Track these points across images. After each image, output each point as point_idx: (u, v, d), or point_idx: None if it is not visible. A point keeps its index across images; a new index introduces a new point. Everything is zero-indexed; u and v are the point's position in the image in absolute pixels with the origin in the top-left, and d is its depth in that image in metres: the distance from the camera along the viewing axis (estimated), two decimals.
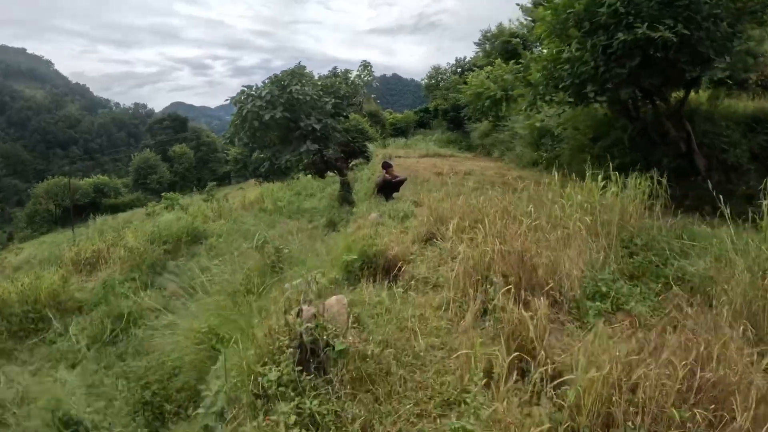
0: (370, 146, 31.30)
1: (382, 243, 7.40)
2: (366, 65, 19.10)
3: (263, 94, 14.10)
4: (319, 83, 15.02)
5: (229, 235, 18.38)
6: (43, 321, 13.96)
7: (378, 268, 7.02)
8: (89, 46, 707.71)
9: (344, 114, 15.71)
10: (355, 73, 18.95)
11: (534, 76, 12.29)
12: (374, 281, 6.75)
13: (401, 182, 12.70)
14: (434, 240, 7.92)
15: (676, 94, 13.57)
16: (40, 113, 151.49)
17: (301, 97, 13.87)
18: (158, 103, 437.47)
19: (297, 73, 14.82)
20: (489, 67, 28.67)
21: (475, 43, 42.84)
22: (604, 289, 5.90)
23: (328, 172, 18.32)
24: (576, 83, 11.27)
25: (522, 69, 25.71)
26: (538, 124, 17.62)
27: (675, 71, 11.26)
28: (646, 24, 9.93)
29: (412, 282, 6.57)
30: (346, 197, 15.54)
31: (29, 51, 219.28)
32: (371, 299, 5.94)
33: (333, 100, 14.67)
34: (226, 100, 13.14)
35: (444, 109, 42.66)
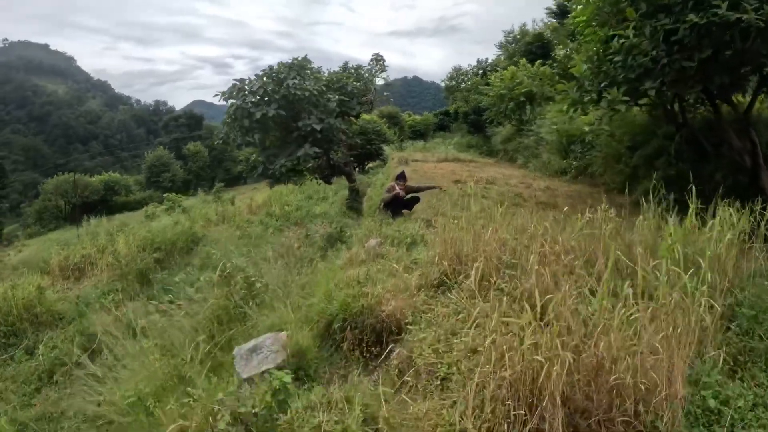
0: (386, 149, 29.96)
1: (374, 293, 5.64)
2: (378, 59, 16.98)
3: (255, 88, 11.95)
4: (324, 78, 13.83)
5: (229, 243, 16.95)
6: (16, 335, 12.70)
7: (366, 331, 5.29)
8: (111, 44, 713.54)
9: (353, 113, 13.94)
10: (365, 67, 16.93)
11: (579, 68, 10.36)
12: (358, 354, 5.21)
13: (415, 201, 11.06)
14: (448, 287, 5.78)
15: (738, 98, 11.64)
16: (61, 108, 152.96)
17: (299, 92, 11.72)
18: (179, 100, 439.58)
19: (297, 66, 12.74)
20: (513, 67, 26.94)
21: (496, 45, 41.32)
22: (711, 403, 3.65)
23: (335, 177, 16.73)
24: (630, 78, 9.35)
25: (557, 65, 24.01)
26: (587, 128, 15.83)
27: (752, 67, 9.43)
28: (727, 2, 7.82)
29: (411, 371, 4.44)
30: (353, 206, 13.96)
31: (52, 47, 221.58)
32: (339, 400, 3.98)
33: (337, 97, 13.05)
34: (216, 95, 11.47)
35: (464, 111, 40.99)
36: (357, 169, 30.18)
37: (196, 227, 19.47)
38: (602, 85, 10.08)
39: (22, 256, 24.83)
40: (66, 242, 19.82)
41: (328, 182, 14.31)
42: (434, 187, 11.81)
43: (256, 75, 12.42)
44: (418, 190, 11.38)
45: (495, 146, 30.57)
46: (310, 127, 10.14)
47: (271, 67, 11.48)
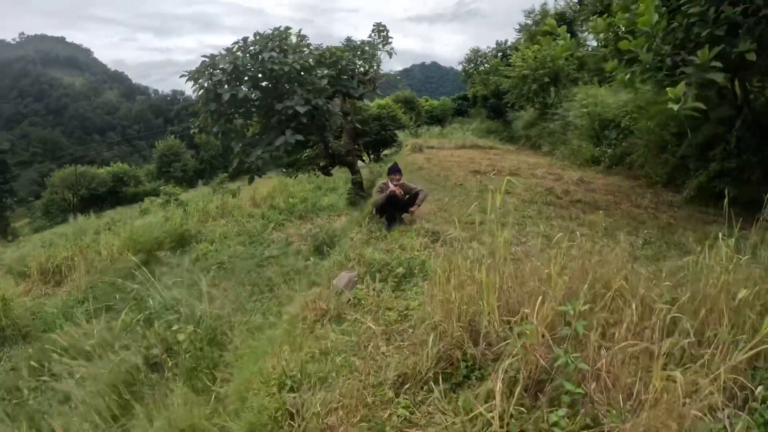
0: (400, 135, 28.60)
1: (309, 411, 3.35)
2: (381, 29, 14.42)
3: (224, 64, 9.09)
4: (314, 52, 10.82)
5: (223, 242, 15.32)
6: None
7: None
8: (129, 35, 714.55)
9: (356, 95, 11.87)
10: (367, 40, 14.40)
11: (647, 18, 7.41)
12: None
13: (415, 200, 8.48)
14: (457, 383, 3.50)
15: None
16: (78, 100, 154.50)
17: (276, 67, 9.00)
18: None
19: (277, 37, 9.72)
20: (536, 46, 24.84)
21: (516, 29, 39.14)
22: None
23: (336, 168, 14.75)
24: (718, 36, 6.84)
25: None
26: (674, 106, 13.71)
27: None
28: None
29: None
30: (355, 201, 12.12)
31: (68, 40, 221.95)
32: None
33: (327, 72, 10.28)
34: (182, 75, 9.22)
35: (483, 95, 39.09)
36: (372, 156, 29.28)
37: (192, 222, 17.92)
38: (678, 44, 7.62)
39: (21, 252, 23.31)
40: (51, 241, 18.33)
41: (327, 174, 12.37)
42: (420, 193, 8.72)
43: (226, 49, 9.71)
44: (413, 193, 8.64)
45: (516, 132, 28.93)
46: (291, 109, 8.13)
47: (245, 39, 9.28)
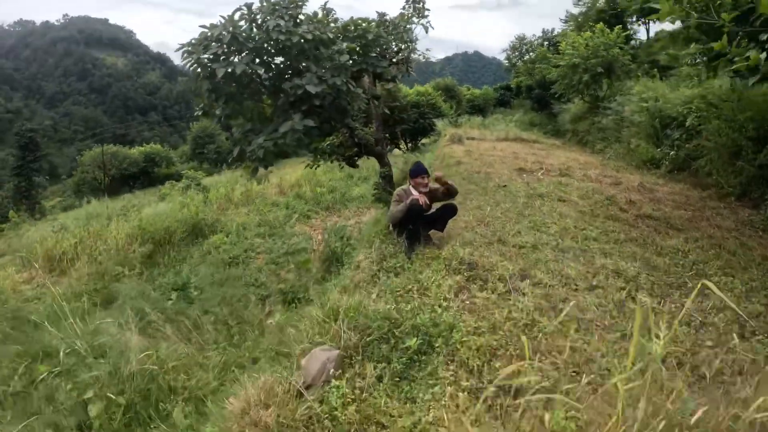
0: (438, 123, 27.16)
1: None
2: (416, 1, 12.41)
3: (220, 34, 7.12)
4: (334, 24, 8.80)
5: (240, 234, 14.13)
6: None
7: None
8: (171, 17, 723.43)
9: (388, 77, 10.14)
10: (399, 12, 12.45)
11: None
12: None
13: (449, 213, 6.58)
14: None
15: None
16: (120, 80, 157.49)
17: (283, 38, 7.06)
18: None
19: (289, 3, 7.57)
20: (588, 33, 22.93)
21: (562, 20, 37.06)
22: None
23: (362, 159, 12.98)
24: None
25: None
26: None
27: None
28: None
29: None
30: (382, 197, 10.60)
31: (111, 21, 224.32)
32: None
33: (346, 46, 8.12)
34: (177, 48, 7.27)
35: (528, 85, 37.30)
36: (409, 145, 27.83)
37: (211, 210, 16.82)
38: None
39: (39, 235, 22.37)
40: (62, 225, 17.32)
41: (353, 165, 10.83)
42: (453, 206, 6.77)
43: (227, 16, 7.53)
44: (450, 193, 6.61)
45: (562, 126, 27.05)
46: (302, 89, 6.59)
47: (249, 5, 7.44)
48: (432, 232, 6.63)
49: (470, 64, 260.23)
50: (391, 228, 6.80)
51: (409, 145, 27.97)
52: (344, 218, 15.43)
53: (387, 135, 11.46)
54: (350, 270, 6.43)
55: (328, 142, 9.97)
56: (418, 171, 6.45)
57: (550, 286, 4.90)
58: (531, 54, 37.65)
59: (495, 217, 7.65)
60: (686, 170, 12.77)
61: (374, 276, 5.76)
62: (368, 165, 18.92)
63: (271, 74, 6.94)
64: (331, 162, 10.83)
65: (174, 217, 14.45)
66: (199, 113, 8.06)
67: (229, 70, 6.03)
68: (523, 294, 4.65)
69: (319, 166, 10.65)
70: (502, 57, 43.42)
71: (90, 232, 14.54)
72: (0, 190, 48.78)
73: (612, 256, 5.97)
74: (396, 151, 27.60)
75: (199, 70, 6.42)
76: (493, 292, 4.72)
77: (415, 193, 6.34)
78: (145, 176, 51.21)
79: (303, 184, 19.56)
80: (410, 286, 5.04)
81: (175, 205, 16.55)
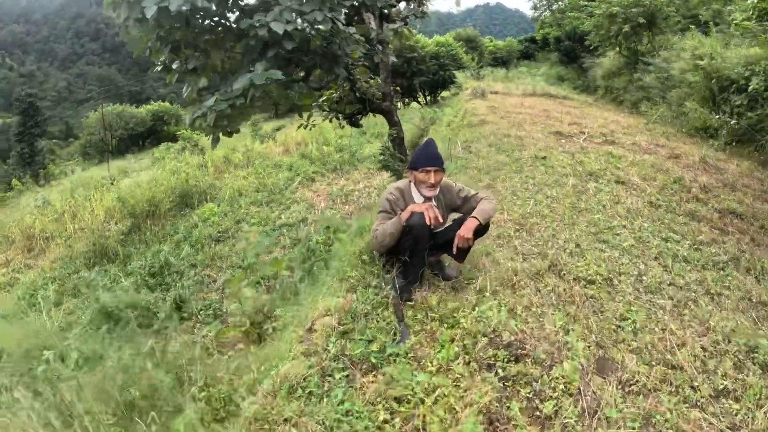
0: (459, 76, 25.51)
1: None
2: None
3: None
4: None
5: (234, 202, 12.38)
6: None
7: None
8: None
9: (396, 17, 8.02)
10: None
11: None
12: None
13: (475, 235, 3.86)
14: None
15: None
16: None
17: None
18: None
19: None
20: None
21: None
22: None
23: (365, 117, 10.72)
24: None
25: None
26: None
27: None
28: None
29: None
30: (389, 165, 8.52)
31: None
32: None
33: None
34: None
35: (556, 37, 34.74)
36: (428, 98, 26.05)
37: (207, 174, 15.07)
38: None
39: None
40: (44, 199, 15.75)
41: (355, 125, 8.88)
42: (483, 206, 4.03)
43: None
44: (466, 208, 4.11)
45: (594, 81, 24.84)
46: (265, 28, 4.74)
47: None
48: (452, 264, 4.34)
49: (492, 16, 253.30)
50: (377, 257, 4.31)
51: (428, 98, 26.22)
52: (352, 182, 13.59)
53: (398, 88, 9.44)
54: (296, 337, 3.72)
55: (325, 97, 8.11)
56: (424, 158, 3.92)
57: (654, 390, 2.94)
58: (561, 3, 34.99)
59: (539, 213, 5.62)
60: (750, 143, 10.68)
61: (325, 375, 3.19)
62: (382, 119, 16.85)
63: (236, 13, 5.04)
64: (330, 121, 8.92)
65: (160, 186, 12.72)
66: (159, 68, 6.08)
67: (161, 7, 4.14)
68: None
69: (314, 126, 8.71)
70: (525, 8, 41.17)
71: (69, 206, 12.96)
72: (8, 158, 47.96)
73: (724, 307, 4.05)
74: (414, 104, 25.99)
75: (124, 8, 4.51)
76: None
77: (417, 197, 3.96)
78: (153, 135, 49.14)
79: (309, 142, 17.68)
80: (387, 416, 2.78)
81: (164, 172, 14.79)
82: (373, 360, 3.25)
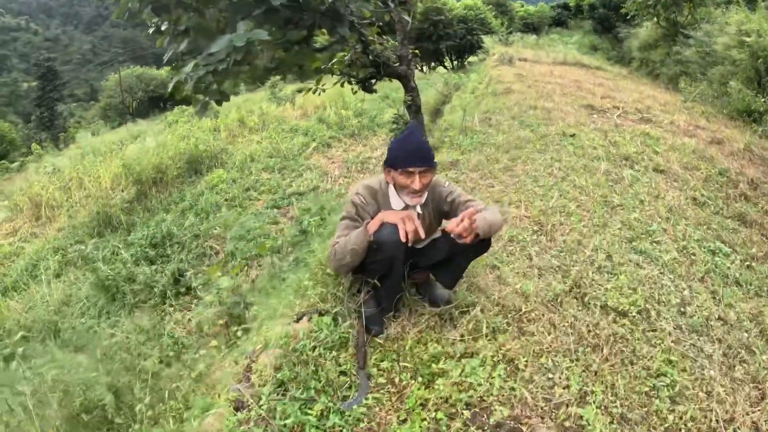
0: (486, 40, 24.86)
1: None
2: None
3: None
4: None
5: (245, 168, 11.87)
6: None
7: None
8: None
9: None
10: None
11: None
12: None
13: (471, 253, 3.06)
14: None
15: None
16: None
17: None
18: None
19: None
20: None
21: None
22: None
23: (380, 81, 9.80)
24: None
25: None
26: None
27: None
28: None
29: None
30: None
31: None
32: None
33: None
34: None
35: (590, 4, 33.45)
36: (455, 63, 25.22)
37: (220, 139, 14.57)
38: None
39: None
40: (54, 166, 15.33)
41: (368, 90, 8.21)
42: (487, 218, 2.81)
43: None
44: (454, 217, 2.84)
45: (629, 52, 23.60)
46: None
47: None
48: (431, 281, 3.44)
49: None
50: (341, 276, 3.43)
51: (455, 63, 25.42)
52: (370, 148, 13.04)
53: (416, 51, 8.71)
54: (234, 374, 2.94)
55: (337, 58, 7.47)
56: (405, 153, 2.88)
57: None
58: None
59: (564, 209, 4.81)
60: None
61: None
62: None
63: None
64: (342, 86, 8.24)
65: (168, 152, 12.24)
66: (151, 31, 5.45)
67: None
68: None
69: (324, 91, 8.05)
70: None
71: (76, 173, 12.59)
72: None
73: None
74: (440, 69, 25.35)
75: None
76: None
77: (396, 202, 3.01)
78: (222, 97, 48.07)
79: (327, 106, 17.06)
80: None
81: (173, 137, 14.30)
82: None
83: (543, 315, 3.26)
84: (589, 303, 3.42)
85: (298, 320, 3.11)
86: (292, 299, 3.47)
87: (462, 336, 3.02)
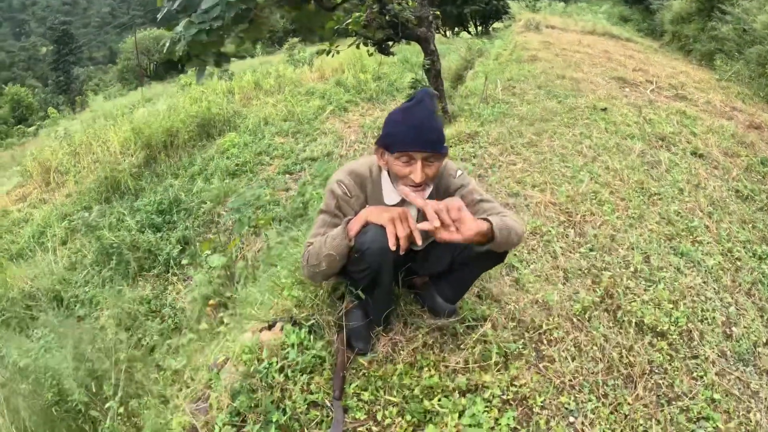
0: (513, 6, 24.45)
1: None
2: None
3: None
4: None
5: (258, 132, 11.50)
6: None
7: None
8: None
9: None
10: None
11: None
12: None
13: (481, 265, 2.49)
14: None
15: None
16: None
17: None
18: None
19: None
20: None
21: None
22: None
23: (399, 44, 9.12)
24: None
25: None
26: None
27: None
28: None
29: None
30: None
31: None
32: None
33: None
34: None
35: None
36: (480, 29, 24.38)
37: (234, 102, 14.16)
38: None
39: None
40: (66, 130, 15.05)
41: (385, 52, 7.69)
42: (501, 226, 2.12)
43: None
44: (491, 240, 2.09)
45: (660, 25, 22.51)
46: None
47: None
48: (431, 290, 2.76)
49: None
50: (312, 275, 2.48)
51: (479, 29, 24.60)
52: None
53: (437, 13, 8.20)
54: (191, 395, 2.37)
55: (353, 19, 7.04)
56: (405, 131, 2.13)
57: None
58: None
59: (595, 197, 4.28)
60: None
61: None
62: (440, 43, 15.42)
63: None
64: (357, 47, 7.77)
65: (179, 115, 11.89)
66: None
67: None
68: None
69: (338, 52, 7.60)
70: None
71: (86, 137, 12.29)
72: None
73: None
74: (464, 35, 24.23)
75: None
76: None
77: (390, 195, 2.36)
78: (220, 59, 47.89)
79: (346, 69, 16.58)
80: None
81: (185, 99, 13.92)
82: None
83: (567, 334, 2.73)
84: (623, 319, 2.89)
85: (270, 327, 2.50)
86: (268, 297, 2.83)
87: (466, 362, 2.42)
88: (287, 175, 9.28)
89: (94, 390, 2.94)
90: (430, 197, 2.27)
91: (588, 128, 5.98)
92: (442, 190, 2.38)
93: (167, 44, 3.92)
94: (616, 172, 4.83)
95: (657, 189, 4.59)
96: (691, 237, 3.93)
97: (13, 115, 37.46)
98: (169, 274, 6.87)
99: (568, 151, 5.25)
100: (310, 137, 11.00)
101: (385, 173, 2.33)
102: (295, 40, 26.62)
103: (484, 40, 18.80)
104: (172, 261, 7.07)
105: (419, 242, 2.00)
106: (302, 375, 2.23)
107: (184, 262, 6.95)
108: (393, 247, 1.98)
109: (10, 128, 30.99)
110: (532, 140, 5.54)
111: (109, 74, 58.19)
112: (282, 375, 2.22)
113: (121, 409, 2.67)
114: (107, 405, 2.72)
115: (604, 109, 6.71)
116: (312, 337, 2.42)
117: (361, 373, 2.35)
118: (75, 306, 6.52)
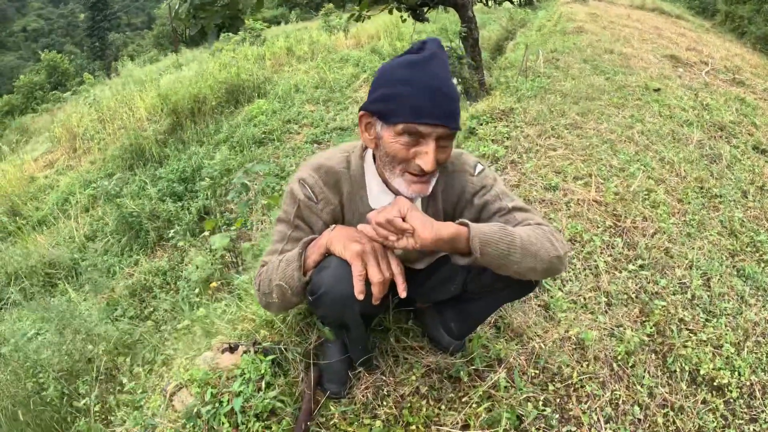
0: None
1: None
2: None
3: None
4: None
5: (288, 99, 11.12)
6: None
7: None
8: None
9: None
10: None
11: None
12: None
13: (496, 299, 1.83)
14: None
15: None
16: None
17: None
18: None
19: None
20: None
21: None
22: None
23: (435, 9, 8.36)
24: None
25: None
26: None
27: None
28: None
29: None
30: (457, 71, 6.62)
31: None
32: None
33: None
34: None
35: None
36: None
37: (265, 68, 13.77)
38: None
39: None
40: (95, 97, 14.82)
41: (419, 19, 7.11)
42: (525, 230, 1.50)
43: None
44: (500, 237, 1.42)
45: (713, 4, 21.53)
46: None
47: None
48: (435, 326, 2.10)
49: None
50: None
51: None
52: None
53: None
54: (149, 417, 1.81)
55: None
56: (415, 93, 1.36)
57: None
58: None
59: (648, 197, 3.60)
60: None
61: None
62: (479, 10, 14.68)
63: None
64: (390, 12, 7.22)
65: (207, 81, 11.58)
66: None
67: None
68: None
69: (369, 17, 7.04)
70: None
71: (114, 103, 12.10)
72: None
73: None
74: (506, 4, 22.97)
75: None
76: None
77: (376, 196, 1.62)
78: (233, 22, 47.57)
79: (382, 36, 16.06)
80: None
81: (214, 65, 13.58)
82: None
83: (603, 387, 2.08)
84: (674, 367, 2.24)
85: (231, 350, 1.92)
86: (234, 311, 2.30)
87: (466, 424, 1.81)
88: (315, 144, 8.95)
89: (69, 388, 2.65)
90: (432, 202, 1.67)
91: (640, 111, 5.36)
92: (454, 189, 1.66)
93: (176, 8, 3.57)
94: (672, 165, 4.21)
95: (718, 190, 3.98)
96: (756, 254, 3.28)
97: (48, 81, 37.76)
98: (187, 245, 6.63)
99: (618, 136, 4.61)
100: (342, 105, 10.62)
101: (370, 163, 1.61)
102: (331, 5, 25.97)
103: (528, 10, 18.03)
104: (188, 233, 6.82)
105: (403, 294, 1.41)
106: (257, 421, 1.68)
107: (206, 233, 6.73)
108: (360, 296, 1.39)
109: (45, 93, 31.14)
110: (576, 121, 4.86)
111: (146, 40, 58.32)
112: (234, 419, 1.68)
113: (98, 407, 2.35)
114: (83, 402, 2.41)
115: (658, 90, 6.10)
116: (277, 369, 1.88)
117: (330, 424, 1.78)
118: (88, 277, 6.30)
